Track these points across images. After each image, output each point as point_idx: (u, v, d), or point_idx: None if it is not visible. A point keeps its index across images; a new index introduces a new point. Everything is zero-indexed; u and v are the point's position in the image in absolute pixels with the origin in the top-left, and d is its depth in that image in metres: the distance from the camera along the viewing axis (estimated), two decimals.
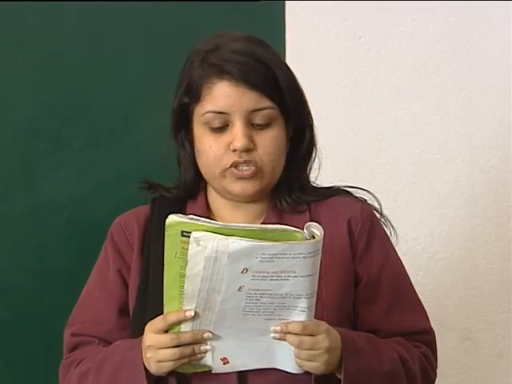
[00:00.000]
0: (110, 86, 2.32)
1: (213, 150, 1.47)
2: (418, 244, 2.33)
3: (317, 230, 1.26)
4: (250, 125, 1.47)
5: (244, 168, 1.47)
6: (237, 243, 1.24)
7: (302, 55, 2.34)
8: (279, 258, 1.25)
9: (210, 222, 1.27)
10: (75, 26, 2.31)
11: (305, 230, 1.27)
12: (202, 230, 1.26)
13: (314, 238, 1.26)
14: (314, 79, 2.31)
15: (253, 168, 1.47)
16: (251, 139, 1.46)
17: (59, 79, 2.30)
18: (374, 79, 2.37)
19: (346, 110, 2.38)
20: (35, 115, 2.30)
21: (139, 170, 2.18)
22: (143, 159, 2.25)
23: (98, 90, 2.32)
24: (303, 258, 1.25)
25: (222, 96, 1.45)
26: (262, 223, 1.52)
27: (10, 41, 2.28)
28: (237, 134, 1.45)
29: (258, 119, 1.47)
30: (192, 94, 1.49)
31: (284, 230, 1.26)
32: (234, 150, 1.46)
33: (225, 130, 1.47)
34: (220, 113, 1.46)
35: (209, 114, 1.47)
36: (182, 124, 1.53)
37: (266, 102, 1.46)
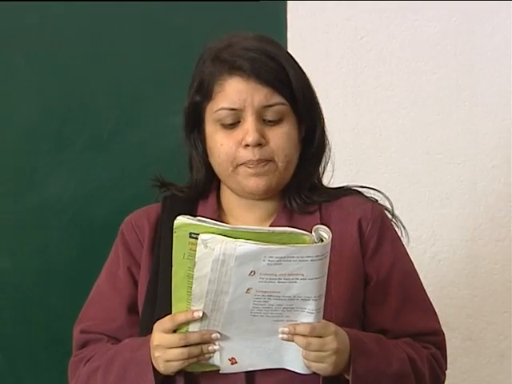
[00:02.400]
0: (112, 86, 2.32)
1: (224, 147, 1.47)
2: (420, 244, 2.33)
3: (325, 232, 1.25)
4: (262, 121, 1.46)
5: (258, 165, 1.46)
6: (244, 246, 1.24)
7: (303, 55, 2.28)
8: (287, 260, 1.24)
9: (217, 224, 1.26)
10: (76, 26, 2.30)
11: (313, 233, 1.26)
12: (210, 232, 1.25)
13: (322, 240, 1.26)
14: (316, 79, 2.30)
15: (269, 163, 1.46)
16: (263, 135, 1.46)
17: (61, 79, 2.30)
18: (375, 79, 2.37)
19: (348, 109, 2.38)
20: (37, 115, 2.30)
21: (141, 170, 2.19)
22: (145, 159, 2.26)
23: (99, 90, 2.31)
24: (311, 260, 1.24)
25: (235, 92, 1.45)
26: (272, 224, 1.52)
27: (11, 41, 2.28)
28: (248, 129, 1.45)
29: (270, 115, 1.46)
30: (204, 92, 1.49)
31: (292, 233, 1.25)
32: (246, 146, 1.45)
33: (236, 126, 1.46)
34: (233, 109, 1.45)
35: (222, 111, 1.46)
36: (194, 123, 1.53)
37: (278, 98, 1.46)
